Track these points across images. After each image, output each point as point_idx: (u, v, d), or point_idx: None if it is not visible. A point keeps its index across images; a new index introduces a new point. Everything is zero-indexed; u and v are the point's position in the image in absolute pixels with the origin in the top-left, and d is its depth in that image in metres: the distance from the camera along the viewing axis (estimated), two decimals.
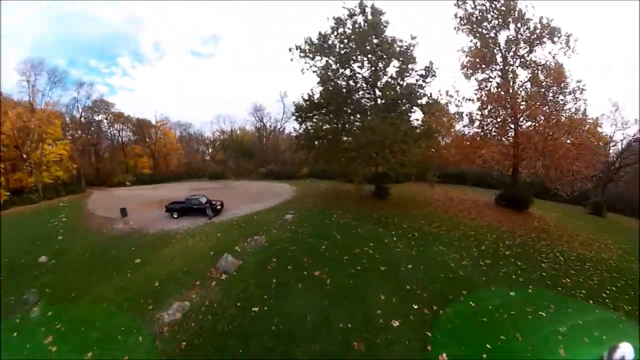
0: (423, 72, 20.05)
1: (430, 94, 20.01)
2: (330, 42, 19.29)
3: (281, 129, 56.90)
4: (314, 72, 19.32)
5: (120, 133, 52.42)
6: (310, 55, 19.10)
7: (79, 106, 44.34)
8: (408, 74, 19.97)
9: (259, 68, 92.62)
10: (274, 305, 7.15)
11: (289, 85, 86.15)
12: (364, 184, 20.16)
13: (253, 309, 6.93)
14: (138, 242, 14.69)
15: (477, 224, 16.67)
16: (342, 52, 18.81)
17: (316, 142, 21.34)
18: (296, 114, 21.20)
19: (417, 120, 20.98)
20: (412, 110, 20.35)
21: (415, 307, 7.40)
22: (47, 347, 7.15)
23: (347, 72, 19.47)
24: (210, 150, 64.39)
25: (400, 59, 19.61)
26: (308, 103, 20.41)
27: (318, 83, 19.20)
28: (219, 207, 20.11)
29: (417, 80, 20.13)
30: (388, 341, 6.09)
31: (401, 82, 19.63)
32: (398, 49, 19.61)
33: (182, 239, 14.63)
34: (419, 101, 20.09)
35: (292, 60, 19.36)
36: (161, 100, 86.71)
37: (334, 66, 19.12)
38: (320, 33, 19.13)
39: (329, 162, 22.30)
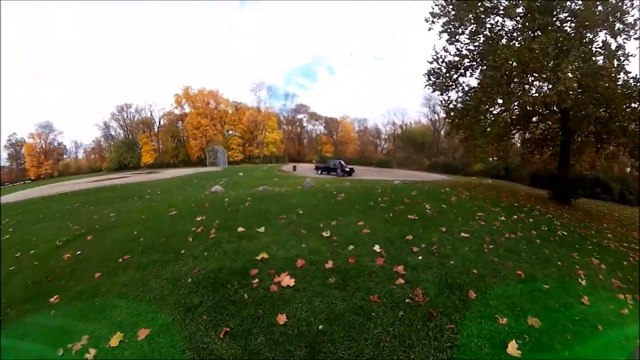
0: None
1: None
2: None
3: None
4: (445, 31, 14.42)
5: (314, 127, 72.06)
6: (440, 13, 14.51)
7: (287, 109, 68.74)
8: None
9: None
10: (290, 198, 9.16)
11: None
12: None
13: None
14: (287, 177, 23.60)
15: None
16: None
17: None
18: (427, 81, 15.10)
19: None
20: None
21: None
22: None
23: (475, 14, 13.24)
24: (383, 142, 71.55)
25: None
26: (437, 66, 14.97)
27: (447, 40, 14.58)
28: (348, 169, 25.40)
29: None
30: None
31: None
32: None
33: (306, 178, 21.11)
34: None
35: (429, 30, 14.82)
36: (345, 101, 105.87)
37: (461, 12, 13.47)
38: None
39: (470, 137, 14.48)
